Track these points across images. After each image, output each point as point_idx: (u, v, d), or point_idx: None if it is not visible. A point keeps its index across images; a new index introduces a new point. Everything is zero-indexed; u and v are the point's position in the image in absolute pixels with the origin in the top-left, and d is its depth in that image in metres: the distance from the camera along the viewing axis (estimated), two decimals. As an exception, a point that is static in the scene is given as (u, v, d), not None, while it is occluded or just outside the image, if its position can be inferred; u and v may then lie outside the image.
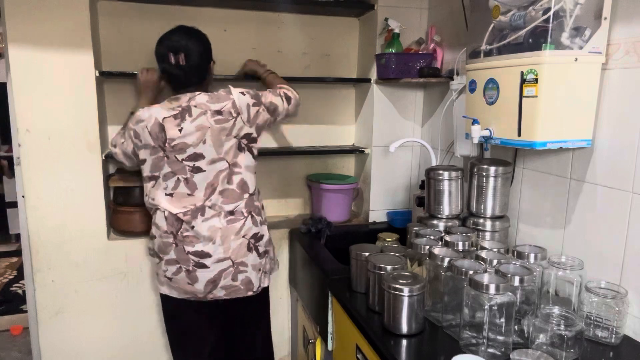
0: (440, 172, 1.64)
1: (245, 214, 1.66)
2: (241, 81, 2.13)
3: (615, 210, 1.25)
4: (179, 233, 1.62)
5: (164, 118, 1.58)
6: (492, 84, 1.34)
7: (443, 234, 1.50)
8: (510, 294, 1.11)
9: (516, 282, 1.17)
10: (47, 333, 1.94)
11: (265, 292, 1.79)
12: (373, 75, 2.16)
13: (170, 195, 1.63)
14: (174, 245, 1.63)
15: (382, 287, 1.26)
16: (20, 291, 3.50)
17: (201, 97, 1.60)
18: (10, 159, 4.03)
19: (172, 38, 1.62)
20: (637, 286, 1.20)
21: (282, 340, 2.26)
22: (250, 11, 2.16)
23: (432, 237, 1.49)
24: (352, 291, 1.51)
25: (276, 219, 2.31)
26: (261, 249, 1.71)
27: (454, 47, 1.94)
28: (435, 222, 1.65)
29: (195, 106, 1.58)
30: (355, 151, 2.32)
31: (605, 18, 1.21)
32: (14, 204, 4.18)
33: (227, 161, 1.62)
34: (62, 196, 1.85)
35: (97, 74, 1.84)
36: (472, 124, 1.40)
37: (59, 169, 1.82)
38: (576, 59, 1.20)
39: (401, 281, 1.23)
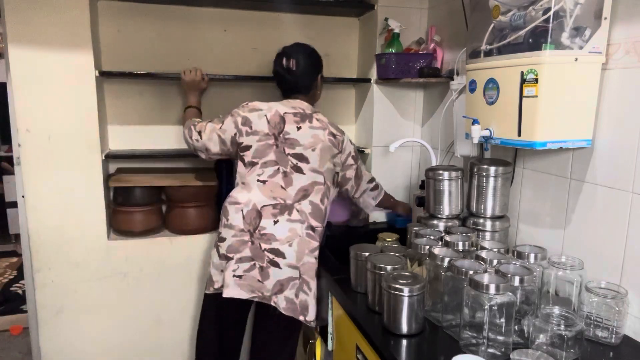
0: (440, 172, 1.64)
1: (319, 241, 1.69)
2: (241, 81, 2.14)
3: (615, 210, 1.25)
4: (256, 231, 1.63)
5: (285, 112, 1.68)
6: (492, 84, 1.34)
7: (443, 234, 1.50)
8: (510, 294, 1.11)
9: (516, 282, 1.17)
10: (47, 333, 1.94)
11: (303, 325, 1.74)
12: (373, 75, 2.16)
13: (263, 182, 1.65)
14: (249, 243, 1.63)
15: (382, 287, 1.26)
16: (20, 291, 3.50)
17: (322, 116, 1.75)
18: (10, 159, 4.03)
19: (289, 47, 1.80)
20: (637, 286, 1.20)
21: (282, 340, 2.26)
22: (250, 11, 2.16)
23: (432, 237, 1.49)
24: (352, 291, 1.51)
25: (276, 219, 2.30)
26: (316, 281, 1.68)
27: (454, 47, 1.94)
28: (435, 222, 1.65)
29: (317, 119, 1.71)
30: (355, 151, 2.32)
31: (605, 18, 1.21)
32: (14, 204, 4.18)
33: (324, 177, 1.69)
34: (62, 196, 1.84)
35: (97, 74, 1.84)
36: (472, 124, 1.40)
37: (59, 169, 1.82)
38: (576, 59, 1.20)
39: (401, 281, 1.23)
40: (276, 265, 1.61)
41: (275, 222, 1.63)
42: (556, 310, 1.15)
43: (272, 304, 1.63)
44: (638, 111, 1.19)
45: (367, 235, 2.00)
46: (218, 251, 1.69)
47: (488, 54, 1.35)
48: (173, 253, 2.04)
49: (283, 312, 1.62)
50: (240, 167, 1.71)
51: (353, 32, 2.32)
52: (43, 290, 1.90)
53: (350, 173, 1.82)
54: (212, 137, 1.73)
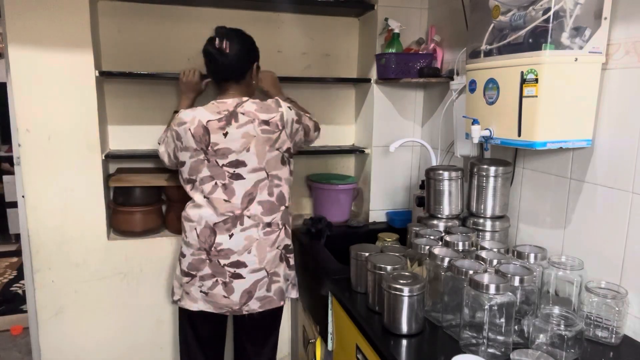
0: (440, 172, 1.64)
1: (280, 226, 1.68)
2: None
3: (615, 210, 1.25)
4: (212, 248, 1.61)
5: (208, 121, 1.56)
6: (492, 84, 1.34)
7: (443, 234, 1.50)
8: (510, 294, 1.11)
9: (516, 282, 1.17)
10: (47, 333, 1.94)
11: (283, 305, 1.77)
12: (373, 75, 2.16)
13: (207, 199, 1.61)
14: (207, 261, 1.62)
15: (382, 287, 1.26)
16: (20, 291, 3.50)
17: (249, 105, 1.59)
18: (10, 159, 4.03)
19: (224, 29, 1.63)
20: (637, 286, 1.20)
21: (282, 340, 2.25)
22: (250, 11, 2.15)
23: (432, 237, 1.49)
24: (352, 291, 1.51)
25: (276, 219, 2.30)
26: (291, 261, 1.74)
27: (454, 47, 1.94)
28: (435, 222, 1.65)
29: (242, 113, 1.58)
30: (355, 151, 2.32)
31: (605, 18, 1.21)
32: (14, 204, 4.18)
33: (266, 172, 1.62)
34: (62, 196, 1.85)
35: (97, 74, 1.84)
36: (472, 124, 1.40)
37: (59, 169, 1.82)
38: (576, 59, 1.20)
39: (401, 281, 1.23)
40: (239, 276, 1.61)
41: (231, 236, 1.60)
42: (556, 310, 1.15)
43: (245, 313, 1.65)
44: (638, 111, 1.19)
45: (367, 235, 2.00)
46: (180, 264, 1.69)
47: (488, 54, 1.35)
48: (173, 253, 2.04)
49: (260, 311, 1.65)
50: (183, 183, 1.67)
51: (353, 32, 2.32)
52: (43, 290, 1.90)
53: (300, 135, 1.73)
54: (164, 151, 1.70)
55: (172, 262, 2.04)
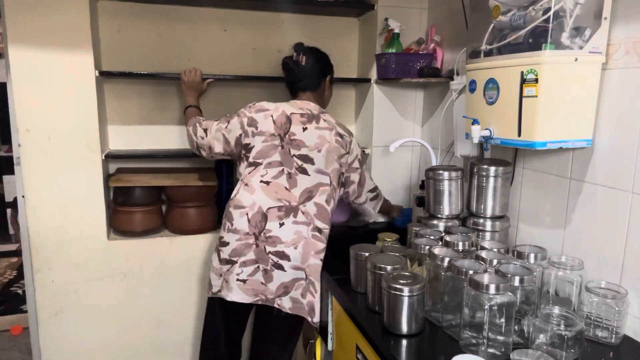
0: (440, 172, 1.64)
1: (325, 242, 1.68)
2: (241, 81, 2.14)
3: (615, 210, 1.25)
4: (261, 234, 1.61)
5: (292, 113, 1.68)
6: (492, 84, 1.34)
7: (443, 234, 1.50)
8: (510, 294, 1.11)
9: (516, 282, 1.17)
10: (47, 333, 1.94)
11: (303, 325, 1.75)
12: (373, 75, 2.16)
13: (267, 183, 1.63)
14: (254, 246, 1.61)
15: (382, 287, 1.26)
16: (20, 291, 3.50)
17: (330, 117, 1.76)
18: (10, 159, 4.03)
19: (303, 46, 1.84)
20: (637, 286, 1.20)
21: (282, 340, 2.26)
22: (250, 11, 2.16)
23: (432, 237, 1.49)
24: (352, 291, 1.50)
25: (276, 219, 2.30)
26: (318, 285, 1.68)
27: (454, 47, 1.94)
28: (435, 222, 1.65)
29: (325, 120, 1.72)
30: (355, 151, 2.32)
31: (605, 18, 1.21)
32: (14, 204, 4.19)
33: (330, 178, 1.68)
34: (62, 196, 1.84)
35: (97, 74, 1.84)
36: (472, 124, 1.40)
37: (59, 169, 1.82)
38: (576, 59, 1.20)
39: (401, 281, 1.23)
40: (280, 267, 1.60)
41: (281, 225, 1.61)
42: (556, 310, 1.15)
43: (276, 306, 1.62)
44: (638, 111, 1.19)
45: (367, 235, 2.00)
46: (219, 255, 1.67)
47: (488, 54, 1.35)
48: (173, 253, 2.04)
49: (289, 312, 1.62)
50: (242, 167, 1.71)
51: (353, 32, 2.32)
52: (43, 290, 1.90)
53: (355, 177, 1.81)
54: (217, 136, 1.73)
55: (172, 262, 2.04)
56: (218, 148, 1.74)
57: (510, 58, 1.27)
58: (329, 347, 1.66)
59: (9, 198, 4.40)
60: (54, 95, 1.78)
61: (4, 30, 1.71)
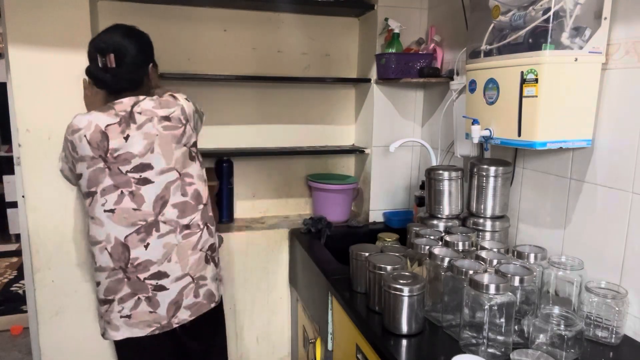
0: (440, 172, 1.64)
1: (201, 226, 1.54)
2: (241, 81, 2.14)
3: (615, 210, 1.25)
4: (128, 265, 1.45)
5: (106, 125, 1.41)
6: (492, 84, 1.34)
7: (443, 234, 1.50)
8: (510, 294, 1.11)
9: (516, 282, 1.17)
10: (47, 333, 1.94)
11: (221, 301, 1.70)
12: (373, 75, 2.16)
13: (112, 211, 1.42)
14: (125, 279, 1.46)
15: (382, 287, 1.26)
16: (20, 291, 3.50)
17: (146, 103, 1.45)
18: (10, 159, 4.03)
19: (102, 37, 1.46)
20: (637, 286, 1.20)
21: (282, 340, 2.26)
22: (250, 11, 2.16)
23: (432, 237, 1.49)
24: (352, 291, 1.51)
25: (276, 219, 2.30)
26: (216, 259, 1.62)
27: (454, 47, 1.94)
28: (435, 222, 1.65)
29: (139, 112, 1.43)
30: (355, 151, 2.32)
31: (605, 18, 1.21)
32: (14, 204, 4.18)
33: (177, 171, 1.48)
34: (62, 196, 1.84)
35: (97, 74, 1.84)
36: (472, 124, 1.40)
37: (59, 168, 1.82)
38: (576, 59, 1.20)
39: (401, 281, 1.23)
40: (162, 288, 1.47)
41: (147, 246, 1.45)
42: (556, 310, 1.16)
43: (175, 326, 1.51)
44: (638, 111, 1.19)
45: (367, 235, 2.00)
46: (97, 297, 1.53)
47: (488, 54, 1.35)
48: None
49: (191, 318, 1.53)
50: (83, 200, 1.54)
51: (353, 32, 2.32)
52: (43, 290, 1.90)
53: (200, 125, 1.64)
54: (67, 168, 1.55)
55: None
56: (74, 180, 1.52)
57: (510, 58, 1.27)
58: (329, 347, 1.66)
59: (9, 198, 4.40)
60: (54, 95, 1.78)
61: (4, 30, 1.71)
